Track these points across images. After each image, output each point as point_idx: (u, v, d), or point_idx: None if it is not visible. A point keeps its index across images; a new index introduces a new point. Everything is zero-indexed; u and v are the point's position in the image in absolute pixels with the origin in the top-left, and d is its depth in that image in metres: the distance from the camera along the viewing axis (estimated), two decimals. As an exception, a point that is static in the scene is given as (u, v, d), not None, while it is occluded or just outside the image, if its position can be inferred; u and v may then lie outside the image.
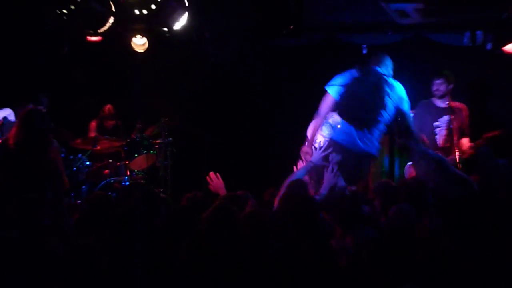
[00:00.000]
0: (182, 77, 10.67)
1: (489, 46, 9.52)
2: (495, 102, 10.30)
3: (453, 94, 9.00)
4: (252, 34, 9.55)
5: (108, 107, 10.40)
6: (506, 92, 10.08)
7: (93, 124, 10.42)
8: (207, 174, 7.36)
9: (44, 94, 9.34)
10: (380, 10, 8.43)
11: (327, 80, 9.43)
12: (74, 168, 9.29)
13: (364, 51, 10.40)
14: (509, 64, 9.30)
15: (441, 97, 8.90)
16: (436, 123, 8.90)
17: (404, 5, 8.13)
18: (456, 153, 8.59)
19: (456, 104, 8.93)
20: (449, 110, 8.85)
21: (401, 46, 10.20)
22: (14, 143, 7.08)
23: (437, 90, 8.87)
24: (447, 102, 8.85)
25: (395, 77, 9.31)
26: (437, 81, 8.87)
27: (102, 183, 9.45)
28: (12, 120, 8.87)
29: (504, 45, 8.93)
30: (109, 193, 9.11)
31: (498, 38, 9.19)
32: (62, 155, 8.37)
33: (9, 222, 5.79)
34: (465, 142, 8.80)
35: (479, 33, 9.68)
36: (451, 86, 8.88)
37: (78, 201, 8.71)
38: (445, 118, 8.87)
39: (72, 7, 7.28)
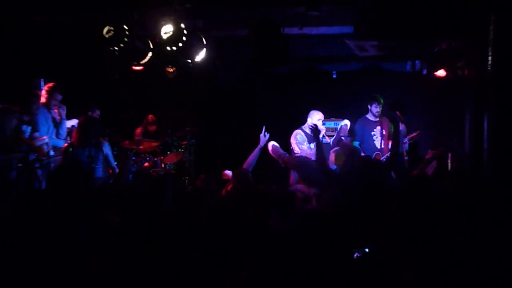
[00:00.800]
0: (201, 95, 10.77)
1: (424, 71, 9.62)
2: (420, 113, 10.46)
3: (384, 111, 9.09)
4: (252, 64, 9.67)
5: (151, 116, 10.49)
6: (437, 104, 10.20)
7: (139, 130, 10.51)
8: (220, 166, 7.49)
9: (96, 105, 9.45)
10: (346, 46, 8.39)
11: (306, 96, 9.61)
12: None
13: (334, 76, 10.58)
14: (439, 85, 9.34)
15: (376, 115, 9.02)
16: (372, 132, 9.04)
17: (363, 42, 8.02)
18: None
19: (382, 117, 9.05)
20: (379, 123, 9.03)
21: (361, 72, 10.37)
22: (76, 142, 7.33)
23: (373, 110, 9.00)
24: (378, 118, 9.02)
25: (359, 96, 9.53)
26: (375, 104, 8.98)
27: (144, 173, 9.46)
28: (78, 128, 8.96)
29: (436, 71, 8.92)
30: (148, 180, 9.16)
31: (431, 66, 9.12)
32: (114, 152, 8.34)
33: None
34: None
35: (417, 62, 9.74)
36: (381, 107, 8.98)
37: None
38: (378, 128, 9.03)
39: (122, 45, 7.17)
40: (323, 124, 8.80)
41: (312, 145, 8.23)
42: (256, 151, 7.31)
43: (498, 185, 5.36)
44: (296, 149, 8.29)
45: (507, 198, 5.00)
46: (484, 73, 5.66)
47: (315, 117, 8.47)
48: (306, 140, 8.35)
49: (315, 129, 7.25)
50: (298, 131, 8.45)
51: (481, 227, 4.34)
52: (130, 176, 8.84)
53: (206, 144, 10.81)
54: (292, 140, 8.36)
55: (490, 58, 5.31)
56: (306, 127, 8.40)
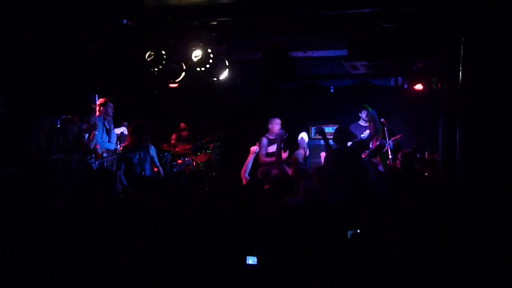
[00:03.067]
0: (225, 107, 10.77)
1: (405, 86, 9.59)
2: (402, 120, 10.36)
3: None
4: (266, 81, 9.65)
5: (182, 124, 10.52)
6: (416, 112, 10.08)
7: (173, 136, 10.54)
8: (240, 164, 7.47)
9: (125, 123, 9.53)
10: (341, 65, 8.36)
11: (309, 107, 9.57)
12: (163, 161, 9.27)
13: (331, 90, 10.55)
14: (417, 97, 9.25)
15: (366, 120, 9.00)
16: (362, 135, 9.00)
17: (355, 62, 7.98)
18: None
19: (371, 123, 9.03)
20: (368, 127, 8.99)
21: (353, 87, 10.31)
22: (129, 145, 7.33)
23: (362, 116, 9.10)
24: (367, 123, 9.01)
25: (353, 107, 9.47)
26: (363, 111, 8.98)
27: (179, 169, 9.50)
28: (126, 134, 8.97)
29: (415, 85, 8.88)
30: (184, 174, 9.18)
31: (410, 81, 9.13)
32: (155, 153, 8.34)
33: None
34: None
35: (399, 78, 9.76)
36: (368, 113, 8.93)
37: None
38: (367, 132, 8.99)
39: (160, 66, 7.14)
40: (324, 129, 8.80)
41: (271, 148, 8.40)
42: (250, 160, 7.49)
43: (469, 197, 5.10)
44: (262, 151, 8.38)
45: (475, 207, 4.87)
46: (455, 86, 5.56)
47: (275, 123, 8.53)
48: (266, 144, 8.45)
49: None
50: (263, 137, 8.51)
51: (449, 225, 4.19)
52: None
53: (229, 146, 10.71)
54: (258, 144, 8.30)
55: (460, 73, 5.22)
56: (270, 134, 8.49)
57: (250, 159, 7.51)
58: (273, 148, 8.29)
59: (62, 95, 7.17)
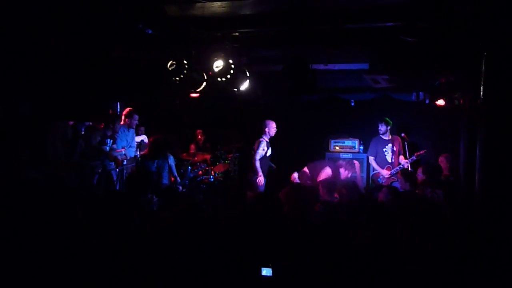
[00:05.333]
0: (245, 117, 10.64)
1: (427, 101, 9.53)
2: (423, 135, 10.28)
3: (392, 131, 9.12)
4: (287, 92, 9.56)
5: (199, 131, 10.66)
6: (435, 127, 10.00)
7: (192, 146, 10.64)
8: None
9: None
10: (362, 79, 8.31)
11: (329, 120, 9.55)
12: (182, 170, 9.35)
13: (352, 104, 10.52)
14: (438, 112, 9.21)
15: (383, 133, 8.96)
16: (384, 149, 8.97)
17: (377, 76, 7.94)
18: (399, 166, 8.71)
19: (394, 136, 8.97)
20: (390, 141, 8.94)
21: (374, 101, 10.24)
22: (148, 155, 7.44)
23: (380, 129, 8.97)
24: (388, 137, 8.97)
25: (373, 120, 9.45)
26: (380, 124, 8.93)
27: (198, 179, 9.53)
28: (145, 142, 9.10)
29: (436, 100, 8.84)
30: (201, 185, 9.27)
31: (432, 96, 9.10)
32: (176, 162, 8.41)
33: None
34: (401, 158, 8.88)
35: (421, 93, 9.66)
36: (389, 127, 8.94)
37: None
38: (390, 145, 8.96)
39: (182, 76, 7.16)
40: (343, 142, 8.86)
41: (269, 151, 8.63)
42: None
43: (489, 211, 5.06)
44: (260, 152, 8.56)
45: (496, 220, 4.81)
46: (476, 102, 5.52)
47: (272, 126, 8.71)
48: (265, 146, 8.64)
49: None
50: (261, 139, 8.70)
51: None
52: (187, 181, 8.92)
53: (248, 157, 10.65)
54: (256, 145, 8.57)
55: (482, 89, 5.18)
56: (267, 137, 8.72)
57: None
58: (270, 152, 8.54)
59: (85, 102, 7.30)
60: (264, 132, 8.62)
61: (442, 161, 8.69)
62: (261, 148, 8.39)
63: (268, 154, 8.49)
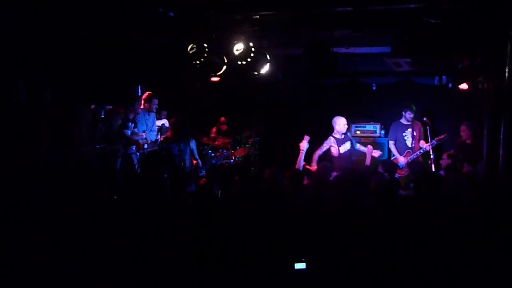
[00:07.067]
0: (265, 101, 10.74)
1: (450, 85, 9.42)
2: (446, 120, 10.13)
3: (416, 116, 8.98)
4: (307, 76, 9.55)
5: (222, 118, 10.62)
6: (457, 112, 9.85)
7: (214, 129, 10.64)
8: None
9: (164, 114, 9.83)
10: (384, 62, 8.23)
11: (350, 104, 9.46)
12: (203, 153, 9.31)
13: (374, 88, 10.43)
14: (461, 96, 9.11)
15: (410, 120, 8.91)
16: (404, 134, 8.91)
17: (399, 59, 7.86)
18: (420, 150, 8.64)
19: (414, 121, 8.91)
20: (410, 126, 8.87)
21: (396, 85, 10.18)
22: (170, 137, 7.49)
23: (409, 116, 8.87)
24: (409, 122, 8.90)
25: (394, 104, 9.35)
26: (408, 111, 8.85)
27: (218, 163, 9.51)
28: (166, 126, 9.12)
29: (460, 84, 8.76)
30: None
31: (455, 80, 9.03)
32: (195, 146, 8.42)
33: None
34: (422, 143, 8.79)
35: (444, 77, 9.57)
36: (413, 113, 8.87)
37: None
38: (409, 130, 8.88)
39: (202, 59, 7.22)
40: (364, 127, 8.76)
41: (342, 148, 8.32)
42: (301, 156, 7.43)
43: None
44: (334, 150, 8.31)
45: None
46: (501, 85, 5.43)
47: (342, 122, 8.40)
48: (333, 142, 8.35)
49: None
50: (331, 137, 8.39)
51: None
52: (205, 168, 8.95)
53: (268, 141, 10.69)
54: (328, 143, 8.32)
55: (507, 71, 5.09)
56: (336, 134, 8.39)
57: (301, 156, 7.48)
58: (344, 149, 8.34)
59: (106, 85, 7.37)
60: (333, 129, 8.49)
61: (464, 130, 8.66)
62: (324, 144, 8.28)
63: (342, 151, 8.32)
